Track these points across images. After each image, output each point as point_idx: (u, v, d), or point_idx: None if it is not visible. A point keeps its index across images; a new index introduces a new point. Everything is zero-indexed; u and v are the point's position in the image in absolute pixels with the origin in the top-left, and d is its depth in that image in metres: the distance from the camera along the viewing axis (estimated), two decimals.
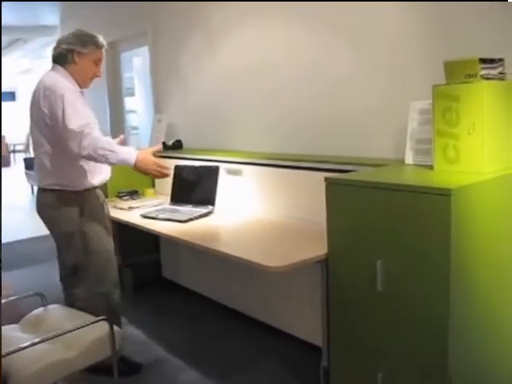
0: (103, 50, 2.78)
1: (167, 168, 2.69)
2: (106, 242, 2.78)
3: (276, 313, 3.17)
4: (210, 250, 2.57)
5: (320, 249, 2.26)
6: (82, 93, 2.72)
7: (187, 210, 3.29)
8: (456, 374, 1.88)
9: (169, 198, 3.57)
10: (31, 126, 2.70)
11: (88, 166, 2.66)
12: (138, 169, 2.59)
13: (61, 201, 2.65)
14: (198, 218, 3.12)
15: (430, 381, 1.92)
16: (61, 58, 2.68)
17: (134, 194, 3.94)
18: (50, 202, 2.68)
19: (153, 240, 4.13)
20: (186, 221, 3.05)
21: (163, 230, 2.92)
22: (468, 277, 1.89)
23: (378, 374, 2.07)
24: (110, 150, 2.50)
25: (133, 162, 2.56)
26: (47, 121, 2.56)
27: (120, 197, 3.87)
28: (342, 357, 2.25)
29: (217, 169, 3.36)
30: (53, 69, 2.71)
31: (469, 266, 1.88)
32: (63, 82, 2.60)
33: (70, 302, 2.81)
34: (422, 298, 1.87)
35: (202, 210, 3.23)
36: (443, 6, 2.41)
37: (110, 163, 2.63)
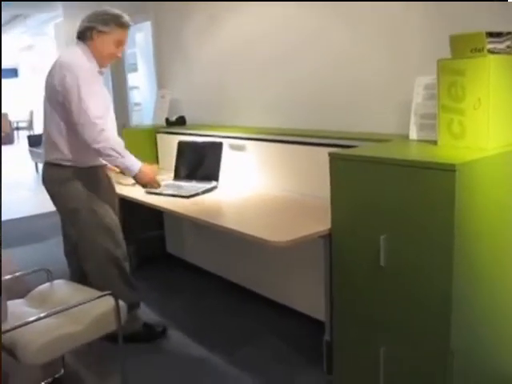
0: (127, 31, 2.71)
1: (159, 185, 2.86)
2: (114, 217, 2.80)
3: (279, 288, 3.20)
4: (213, 226, 2.58)
5: (323, 224, 2.26)
6: (100, 72, 2.70)
7: (191, 185, 3.29)
8: (458, 349, 1.90)
9: (172, 174, 3.58)
10: (44, 98, 2.68)
11: None
12: (137, 179, 2.69)
13: (68, 176, 2.66)
14: (202, 193, 3.13)
15: (432, 355, 1.94)
16: (82, 35, 2.67)
17: None
18: (57, 178, 2.68)
19: (157, 215, 4.15)
20: (189, 196, 3.06)
21: (167, 205, 2.93)
22: (471, 252, 1.89)
23: (380, 349, 2.10)
24: (119, 153, 2.57)
25: (136, 171, 2.65)
26: (60, 98, 2.55)
27: (123, 173, 3.86)
28: (345, 331, 2.27)
29: (220, 144, 3.35)
30: (75, 45, 2.69)
31: (472, 241, 1.88)
32: (81, 61, 2.58)
33: (77, 277, 2.85)
34: (425, 274, 1.88)
35: (206, 185, 3.23)
36: None
37: (114, 164, 2.66)
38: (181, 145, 3.62)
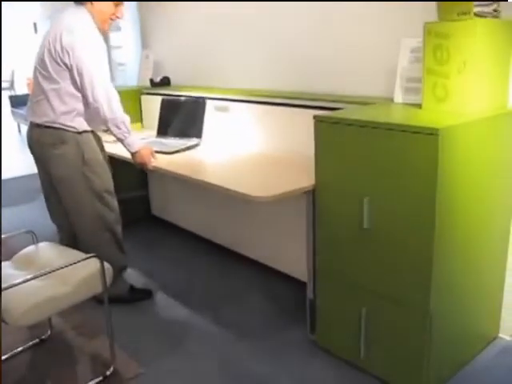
0: None
1: (152, 168, 2.83)
2: (107, 182, 2.79)
3: (265, 249, 3.23)
4: (195, 181, 2.57)
5: (308, 180, 2.27)
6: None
7: (174, 142, 3.28)
8: (437, 309, 1.95)
9: (155, 132, 3.56)
10: (40, 58, 2.58)
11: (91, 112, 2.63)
12: (133, 157, 2.74)
13: (60, 140, 2.61)
14: (185, 150, 3.12)
15: (411, 316, 1.99)
16: None
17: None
18: (47, 140, 2.62)
19: (141, 176, 4.15)
20: (172, 152, 3.05)
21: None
22: (454, 215, 1.92)
23: (362, 309, 2.15)
24: (127, 128, 2.61)
25: (134, 150, 2.70)
26: (66, 60, 2.49)
27: (105, 130, 3.83)
28: (328, 291, 2.32)
29: (204, 101, 3.33)
30: (76, 7, 2.59)
31: (455, 204, 1.91)
32: (91, 28, 2.53)
33: (67, 240, 2.85)
34: (408, 237, 1.92)
35: (189, 142, 3.23)
36: None
37: (118, 138, 2.64)
38: (164, 102, 3.59)
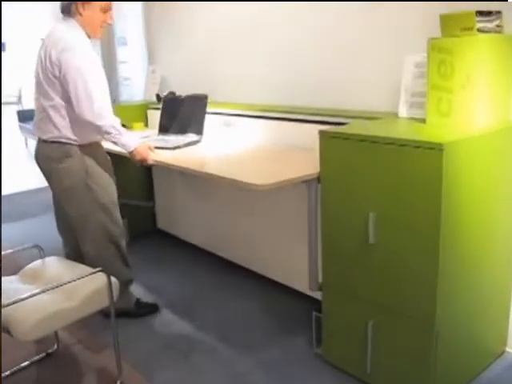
0: None
1: (153, 163, 2.84)
2: (112, 194, 2.81)
3: (268, 262, 3.23)
4: (193, 172, 2.60)
5: (311, 170, 2.29)
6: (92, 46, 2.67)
7: (175, 139, 3.29)
8: (443, 324, 1.95)
9: (157, 130, 3.59)
10: (37, 73, 2.63)
11: None
12: (132, 156, 2.74)
13: (65, 154, 2.64)
14: (186, 145, 3.13)
15: (417, 330, 1.99)
16: (67, 10, 2.61)
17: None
18: (53, 155, 2.66)
19: (147, 188, 4.20)
20: (173, 148, 3.05)
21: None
22: (458, 230, 1.93)
23: (368, 322, 2.14)
24: (118, 131, 2.62)
25: (131, 149, 2.70)
26: (57, 73, 2.52)
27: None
28: (333, 304, 2.32)
29: (205, 97, 3.33)
30: (64, 20, 2.63)
31: (460, 219, 1.92)
32: (79, 39, 2.56)
33: (73, 255, 2.87)
34: (413, 251, 1.92)
35: (190, 138, 3.23)
36: None
37: (112, 141, 2.66)
38: (166, 100, 3.61)
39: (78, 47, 2.53)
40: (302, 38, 3.10)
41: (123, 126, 3.77)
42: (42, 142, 2.70)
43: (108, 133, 2.59)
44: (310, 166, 2.33)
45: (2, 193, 5.75)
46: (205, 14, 3.85)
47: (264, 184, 2.21)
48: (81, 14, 2.60)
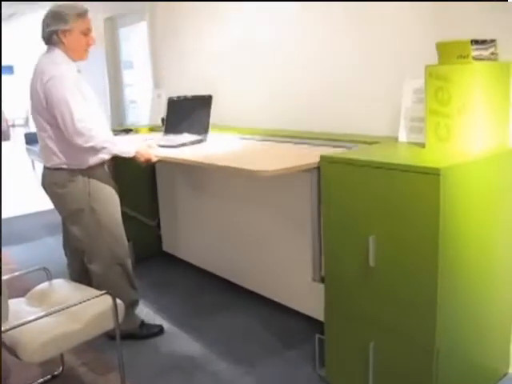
0: (88, 17, 2.70)
1: (156, 160, 2.89)
2: (116, 216, 2.86)
3: (272, 283, 3.24)
4: (197, 164, 2.66)
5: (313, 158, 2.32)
6: (79, 71, 2.74)
7: (180, 138, 3.33)
8: (443, 346, 1.97)
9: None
10: (32, 108, 2.73)
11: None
12: (135, 160, 2.79)
13: (68, 179, 2.72)
14: (191, 144, 3.16)
15: (418, 352, 2.01)
16: (49, 40, 2.69)
17: (128, 131, 3.96)
18: (57, 181, 2.74)
19: (152, 207, 4.25)
20: (177, 146, 3.09)
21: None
22: (457, 253, 1.96)
23: (369, 343, 2.16)
24: (113, 143, 2.68)
25: (132, 154, 2.76)
26: (44, 104, 2.61)
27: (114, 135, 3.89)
28: (336, 326, 2.34)
29: (209, 98, 3.36)
30: (48, 51, 2.71)
31: (458, 242, 1.95)
32: (60, 68, 2.61)
33: (76, 276, 2.91)
34: (412, 274, 1.95)
35: (195, 137, 3.27)
36: None
37: (111, 154, 2.74)
38: (170, 101, 3.66)
39: (59, 77, 2.58)
40: (303, 62, 3.17)
41: (129, 130, 3.83)
42: (46, 169, 2.80)
43: (104, 148, 2.65)
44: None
45: (8, 215, 5.82)
46: (209, 40, 3.94)
47: (267, 170, 2.26)
48: (63, 42, 2.66)
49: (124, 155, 2.76)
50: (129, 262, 2.95)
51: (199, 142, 3.24)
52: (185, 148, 3.10)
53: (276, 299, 3.24)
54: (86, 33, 2.71)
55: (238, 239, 3.46)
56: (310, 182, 2.37)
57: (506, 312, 2.38)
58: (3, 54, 14.01)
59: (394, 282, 2.02)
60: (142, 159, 2.81)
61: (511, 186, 2.20)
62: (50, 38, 2.67)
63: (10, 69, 16.09)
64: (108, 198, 2.82)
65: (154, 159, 2.86)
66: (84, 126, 2.57)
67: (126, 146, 2.77)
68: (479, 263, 2.11)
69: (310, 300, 2.76)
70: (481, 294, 2.17)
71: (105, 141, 2.64)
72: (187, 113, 3.50)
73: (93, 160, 2.76)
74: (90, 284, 2.71)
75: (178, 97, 3.67)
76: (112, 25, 5.67)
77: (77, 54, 2.72)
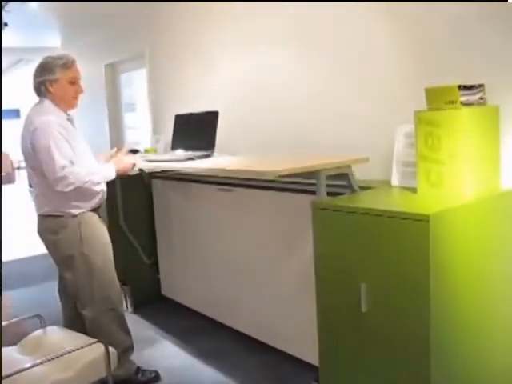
0: (75, 66, 2.78)
1: (134, 165, 3.05)
2: (107, 262, 2.86)
3: (270, 329, 3.22)
4: (208, 172, 2.85)
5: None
6: (70, 120, 2.80)
7: (186, 153, 3.32)
8: None
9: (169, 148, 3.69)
10: (24, 158, 2.81)
11: (81, 192, 2.74)
12: (120, 175, 2.92)
13: (60, 225, 2.75)
14: (198, 158, 3.14)
15: None
16: (38, 92, 2.77)
17: (135, 152, 3.96)
18: (49, 227, 2.78)
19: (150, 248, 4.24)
20: (184, 160, 3.08)
21: (164, 166, 3.19)
22: (449, 300, 1.94)
23: None
24: (93, 174, 2.72)
25: (114, 174, 2.84)
26: (33, 155, 2.68)
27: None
28: (331, 373, 2.30)
29: (216, 113, 3.36)
30: (38, 102, 2.79)
31: (450, 288, 1.93)
32: (47, 118, 2.67)
33: (70, 321, 2.90)
34: (404, 321, 1.93)
35: (202, 152, 3.25)
36: (429, 31, 2.48)
37: (96, 183, 2.77)
38: (177, 118, 3.68)
39: (44, 126, 2.64)
40: (294, 108, 3.22)
41: (136, 151, 3.89)
42: (39, 216, 2.84)
43: (87, 182, 2.68)
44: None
45: (9, 258, 5.82)
46: (206, 87, 4.00)
47: (276, 170, 2.27)
48: (51, 92, 2.74)
49: (109, 179, 2.83)
50: (121, 307, 2.94)
51: (206, 156, 3.22)
52: (192, 162, 3.07)
53: (274, 345, 3.21)
54: (74, 81, 2.78)
55: (237, 283, 3.45)
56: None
57: (503, 358, 2.34)
58: (10, 99, 14.31)
59: (386, 329, 1.99)
60: (122, 172, 2.91)
61: (504, 228, 2.19)
62: (39, 88, 2.75)
63: (17, 112, 16.35)
64: (99, 244, 2.83)
65: (129, 166, 2.96)
66: (65, 173, 2.60)
67: (106, 170, 2.81)
68: (473, 308, 2.09)
69: (307, 346, 2.73)
70: (476, 341, 2.13)
71: (85, 175, 2.67)
72: (193, 129, 3.53)
73: (84, 206, 2.78)
74: (83, 329, 2.70)
75: (185, 113, 3.70)
76: (112, 70, 5.81)
77: (65, 103, 2.79)
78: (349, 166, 2.46)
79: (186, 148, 3.47)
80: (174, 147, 3.63)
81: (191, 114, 3.61)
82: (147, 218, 4.24)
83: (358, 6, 2.77)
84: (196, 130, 3.49)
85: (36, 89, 2.78)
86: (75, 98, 2.81)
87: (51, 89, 2.73)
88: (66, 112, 2.81)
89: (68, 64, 2.75)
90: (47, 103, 2.75)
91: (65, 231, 2.74)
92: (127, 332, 2.95)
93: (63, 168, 2.59)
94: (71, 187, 2.62)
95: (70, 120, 2.81)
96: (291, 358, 3.05)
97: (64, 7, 5.84)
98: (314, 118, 3.13)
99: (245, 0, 3.52)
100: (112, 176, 2.83)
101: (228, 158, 3.24)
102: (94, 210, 2.86)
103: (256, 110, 3.59)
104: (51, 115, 2.70)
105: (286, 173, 2.28)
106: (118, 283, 2.92)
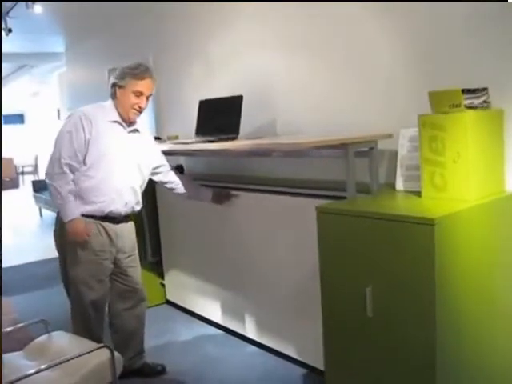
0: (146, 82, 2.78)
1: (84, 242, 2.75)
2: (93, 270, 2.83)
3: (276, 334, 3.22)
4: (234, 146, 2.92)
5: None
6: (118, 122, 2.82)
7: (211, 138, 3.26)
8: None
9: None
10: None
11: (80, 194, 2.75)
12: (67, 229, 2.70)
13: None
14: (222, 140, 3.08)
15: None
16: (111, 94, 2.85)
17: (157, 139, 3.94)
18: (58, 227, 2.85)
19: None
20: (212, 141, 3.06)
21: (196, 147, 3.16)
22: (454, 303, 1.94)
23: None
24: (59, 193, 2.68)
25: (66, 219, 2.69)
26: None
27: None
28: (337, 379, 2.30)
29: (240, 97, 3.28)
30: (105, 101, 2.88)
31: (455, 292, 1.93)
32: (90, 110, 2.78)
33: None
34: (410, 325, 1.92)
35: (226, 135, 3.18)
36: (433, 36, 2.47)
37: (55, 203, 2.76)
38: (201, 104, 3.65)
39: (73, 116, 2.75)
40: (300, 113, 3.21)
41: (158, 138, 3.87)
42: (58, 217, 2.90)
43: (50, 191, 2.73)
44: None
45: (15, 263, 5.84)
46: (211, 82, 4.00)
47: (305, 142, 2.32)
48: (117, 97, 2.81)
49: (61, 214, 2.73)
50: (144, 305, 3.09)
51: (231, 139, 3.12)
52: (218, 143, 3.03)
53: (279, 349, 3.21)
54: (137, 95, 2.78)
55: (241, 289, 3.45)
56: None
57: (509, 361, 2.33)
58: (15, 104, 14.38)
59: (392, 333, 1.99)
60: (69, 232, 2.70)
61: (509, 231, 2.19)
62: (111, 90, 2.83)
63: (21, 118, 16.43)
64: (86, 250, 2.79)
65: (81, 240, 2.73)
66: (55, 164, 2.69)
67: (70, 210, 2.69)
68: (478, 311, 2.08)
69: (312, 350, 2.73)
70: (480, 342, 2.13)
71: (53, 186, 2.68)
72: (218, 114, 3.48)
73: (83, 208, 2.75)
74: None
75: (209, 98, 3.63)
76: None
77: (123, 112, 2.82)
78: (375, 141, 2.52)
79: (210, 133, 3.39)
80: (197, 133, 3.58)
81: (215, 99, 3.55)
82: (152, 218, 4.26)
83: (359, 6, 2.77)
84: (220, 115, 3.44)
85: (111, 91, 2.85)
86: (133, 109, 2.80)
87: (117, 93, 2.80)
88: (126, 120, 2.84)
89: (138, 76, 2.76)
90: (109, 103, 2.84)
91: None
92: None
93: (58, 159, 2.68)
94: (47, 180, 2.73)
95: (120, 124, 2.83)
96: (297, 363, 3.05)
97: (68, 12, 5.86)
98: (314, 118, 3.12)
99: (245, 0, 3.54)
100: (64, 218, 2.70)
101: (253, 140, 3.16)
102: (93, 217, 2.77)
103: (257, 112, 3.59)
104: (100, 111, 2.79)
105: (314, 145, 2.31)
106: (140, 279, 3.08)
